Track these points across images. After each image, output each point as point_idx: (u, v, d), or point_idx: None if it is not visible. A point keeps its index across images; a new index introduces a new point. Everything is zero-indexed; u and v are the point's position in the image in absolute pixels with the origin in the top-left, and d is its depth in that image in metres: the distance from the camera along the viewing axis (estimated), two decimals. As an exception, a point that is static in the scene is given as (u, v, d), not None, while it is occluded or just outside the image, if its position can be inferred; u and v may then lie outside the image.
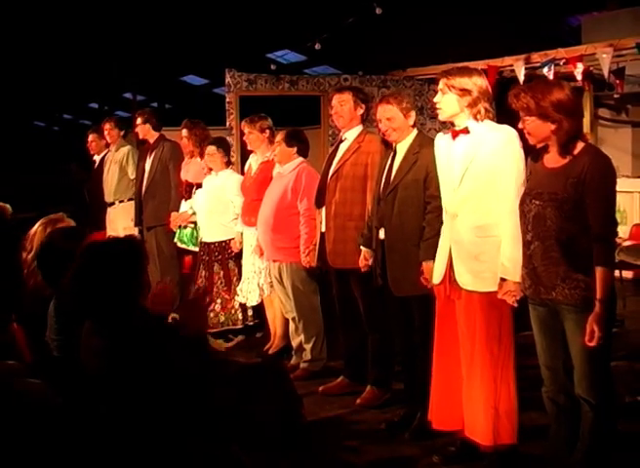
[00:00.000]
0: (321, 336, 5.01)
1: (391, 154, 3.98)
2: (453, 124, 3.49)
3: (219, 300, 5.63)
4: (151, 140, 6.45)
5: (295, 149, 4.99)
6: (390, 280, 3.92)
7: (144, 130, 6.44)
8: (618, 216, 3.02)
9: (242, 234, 5.52)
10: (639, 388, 4.24)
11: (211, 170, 5.73)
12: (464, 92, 3.38)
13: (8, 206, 4.78)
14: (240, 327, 5.71)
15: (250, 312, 5.70)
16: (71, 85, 20.95)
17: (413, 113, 3.99)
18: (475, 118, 3.40)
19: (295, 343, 5.12)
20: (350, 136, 4.50)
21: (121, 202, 6.79)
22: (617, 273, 4.64)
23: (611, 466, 3.07)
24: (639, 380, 4.41)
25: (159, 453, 2.47)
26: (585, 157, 2.95)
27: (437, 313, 3.58)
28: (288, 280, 4.97)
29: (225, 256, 5.64)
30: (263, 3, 13.30)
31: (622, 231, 6.74)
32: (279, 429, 2.76)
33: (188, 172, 6.10)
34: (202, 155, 5.87)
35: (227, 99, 8.42)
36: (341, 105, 4.48)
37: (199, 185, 5.87)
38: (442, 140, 3.57)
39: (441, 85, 3.45)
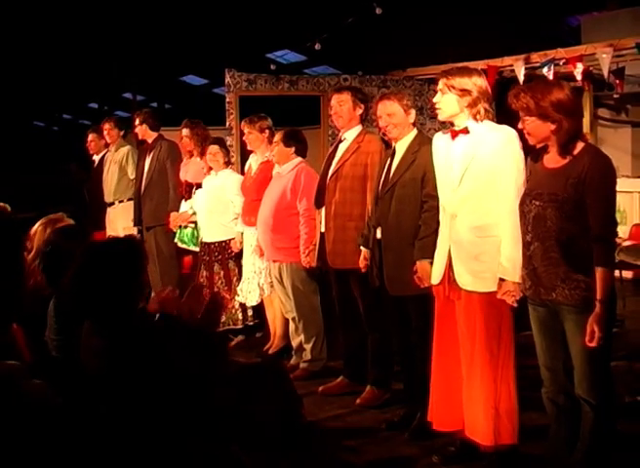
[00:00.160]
0: (321, 336, 5.01)
1: (391, 153, 3.99)
2: (452, 124, 3.49)
3: (222, 300, 5.61)
4: (150, 140, 6.46)
5: (293, 149, 4.99)
6: (386, 279, 3.92)
7: (142, 130, 6.45)
8: (618, 216, 3.02)
9: (242, 234, 5.52)
10: (639, 388, 4.23)
11: (210, 169, 5.73)
12: (464, 92, 3.38)
13: (7, 206, 4.78)
14: (240, 327, 5.71)
15: (250, 312, 5.71)
16: (71, 85, 20.95)
17: (413, 111, 3.99)
18: (475, 118, 3.40)
19: (295, 343, 5.12)
20: (350, 136, 4.50)
21: (121, 202, 6.79)
22: (616, 273, 4.64)
23: (611, 466, 3.07)
24: (639, 380, 4.41)
25: (159, 453, 2.47)
26: (585, 157, 2.95)
27: (436, 313, 3.58)
28: (288, 280, 4.97)
29: (225, 256, 5.65)
30: (263, 3, 13.29)
31: (622, 231, 6.74)
32: (279, 429, 2.77)
33: (188, 172, 6.10)
34: (202, 155, 5.87)
35: (227, 99, 8.42)
36: (340, 105, 4.48)
37: (199, 185, 5.87)
38: (441, 140, 3.57)
39: (441, 85, 3.45)
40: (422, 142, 3.88)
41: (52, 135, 29.52)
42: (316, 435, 3.69)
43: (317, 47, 8.45)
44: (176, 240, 6.15)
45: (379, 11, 7.67)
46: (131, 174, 6.77)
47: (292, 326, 5.14)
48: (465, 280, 3.39)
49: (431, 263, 3.60)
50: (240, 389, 2.79)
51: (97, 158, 7.33)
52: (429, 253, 3.60)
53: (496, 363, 3.38)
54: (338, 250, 4.41)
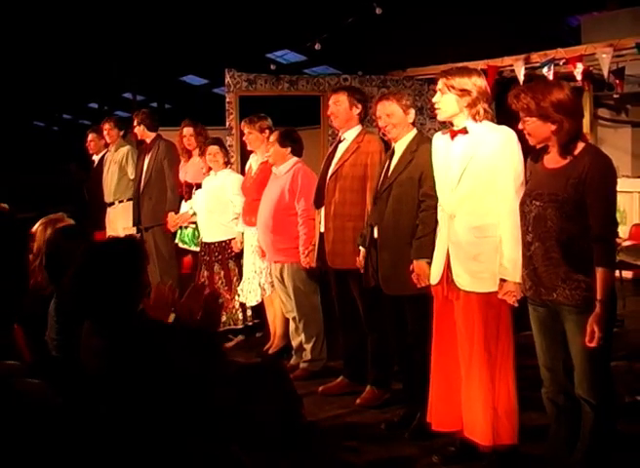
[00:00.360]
0: (321, 337, 5.01)
1: (389, 154, 3.99)
2: (452, 124, 3.49)
3: (219, 300, 5.62)
4: (148, 141, 6.46)
5: (289, 149, 4.99)
6: (381, 278, 3.92)
7: (140, 131, 6.46)
8: (618, 216, 3.02)
9: (243, 234, 5.52)
10: (639, 388, 4.23)
11: (210, 170, 5.73)
12: (464, 92, 3.38)
13: (5, 205, 4.78)
14: (240, 327, 5.72)
15: (249, 312, 5.71)
16: (71, 85, 20.96)
17: (412, 111, 3.99)
18: (474, 118, 3.40)
19: (295, 343, 5.12)
20: (349, 136, 4.50)
21: (121, 202, 6.78)
22: (616, 273, 4.64)
23: (611, 466, 3.07)
24: (639, 380, 4.41)
25: (159, 453, 2.47)
26: (586, 157, 2.95)
27: (435, 313, 3.58)
28: (289, 280, 4.97)
29: (225, 256, 5.65)
30: (263, 3, 13.30)
31: (622, 231, 6.74)
32: (279, 429, 2.76)
33: (187, 172, 6.11)
34: (202, 154, 5.87)
35: (227, 99, 8.42)
36: (337, 106, 4.49)
37: (199, 185, 5.88)
38: (440, 140, 3.57)
39: (440, 85, 3.44)
40: (421, 142, 3.88)
41: (52, 135, 29.54)
42: (316, 435, 3.69)
43: (317, 47, 8.45)
44: (176, 240, 6.16)
45: (379, 11, 7.67)
46: (131, 174, 6.77)
47: (292, 325, 5.14)
48: (464, 280, 3.40)
49: (429, 263, 3.60)
50: (240, 389, 2.78)
51: (96, 158, 7.33)
52: (427, 253, 3.60)
53: (494, 363, 3.38)
54: (337, 250, 4.41)
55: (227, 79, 8.37)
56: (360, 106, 4.49)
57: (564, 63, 7.55)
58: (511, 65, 7.81)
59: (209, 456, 2.52)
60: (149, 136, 6.45)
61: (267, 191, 5.09)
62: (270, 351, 5.45)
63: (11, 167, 16.94)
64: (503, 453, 3.44)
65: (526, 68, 7.64)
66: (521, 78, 7.49)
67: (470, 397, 3.45)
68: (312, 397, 4.43)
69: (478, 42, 10.02)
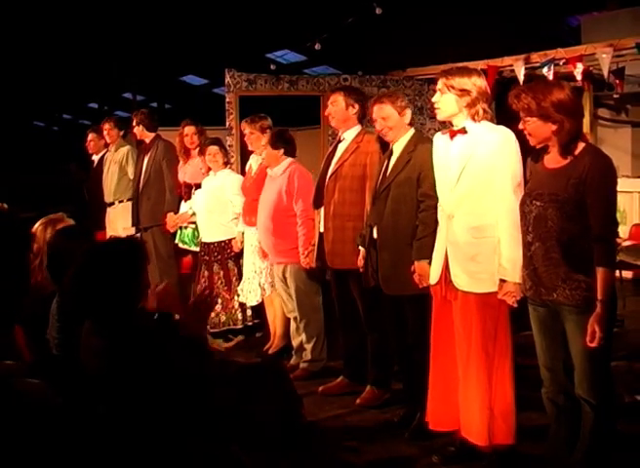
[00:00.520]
0: (322, 337, 5.01)
1: (388, 155, 3.99)
2: (452, 124, 3.49)
3: (219, 300, 5.63)
4: (147, 141, 6.46)
5: (281, 151, 4.99)
6: (381, 279, 3.92)
7: (139, 131, 6.47)
8: (618, 216, 3.02)
9: (243, 234, 5.52)
10: (639, 388, 4.23)
11: (209, 170, 5.73)
12: (463, 92, 3.38)
13: (4, 205, 4.78)
14: (240, 327, 5.71)
15: (249, 312, 5.71)
16: (71, 85, 20.97)
17: (408, 111, 3.98)
18: (473, 118, 3.39)
19: (295, 343, 5.12)
20: (349, 136, 4.51)
21: (121, 202, 6.78)
22: (616, 273, 4.64)
23: (611, 466, 3.07)
24: (639, 380, 4.41)
25: (159, 453, 2.47)
26: (586, 157, 2.95)
27: (434, 313, 3.58)
28: (291, 280, 4.97)
29: (225, 256, 5.65)
30: (263, 3, 13.30)
31: (622, 231, 6.73)
32: (279, 429, 2.76)
33: (186, 173, 6.11)
34: (201, 154, 5.87)
35: (227, 99, 8.41)
36: (333, 106, 4.50)
37: (198, 186, 5.88)
38: (440, 140, 3.57)
39: (440, 85, 3.44)
40: (419, 142, 3.88)
41: (52, 135, 29.56)
42: (316, 435, 3.69)
43: (317, 47, 8.45)
44: (176, 241, 6.16)
45: (379, 11, 7.67)
46: (131, 174, 6.76)
47: (293, 325, 5.14)
48: (462, 280, 3.40)
49: (430, 263, 3.60)
50: (240, 389, 2.78)
51: (96, 158, 7.33)
52: (428, 254, 3.60)
53: (491, 363, 3.37)
54: (336, 250, 4.41)
55: (227, 79, 8.37)
56: (357, 106, 4.48)
57: (564, 63, 7.55)
58: (511, 65, 7.81)
59: (209, 456, 2.52)
60: (148, 137, 6.45)
61: (264, 194, 5.09)
62: (270, 351, 5.45)
63: (11, 167, 16.95)
64: (503, 453, 3.44)
65: (526, 68, 7.64)
66: (521, 78, 7.48)
67: (467, 397, 3.45)
68: (312, 397, 4.43)
69: (478, 42, 10.03)
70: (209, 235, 5.70)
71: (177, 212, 6.10)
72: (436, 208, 3.58)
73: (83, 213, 7.20)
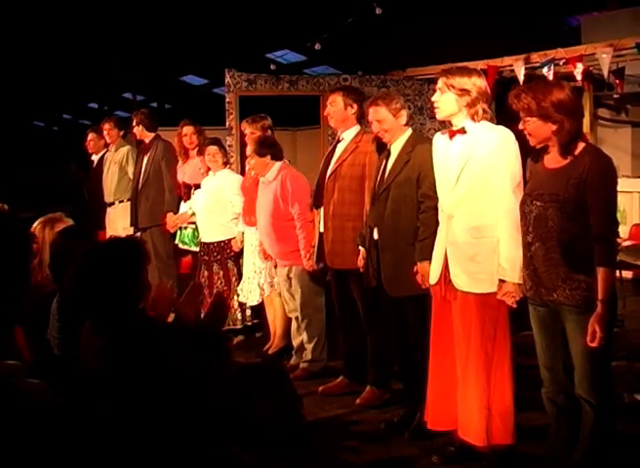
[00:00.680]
0: (323, 337, 5.01)
1: (386, 155, 3.99)
2: (451, 124, 3.49)
3: (226, 300, 5.62)
4: (147, 141, 6.47)
5: (268, 157, 4.99)
6: (384, 280, 3.92)
7: (138, 131, 6.48)
8: (618, 216, 3.01)
9: (243, 233, 5.52)
10: (639, 388, 4.23)
11: (208, 170, 5.73)
12: (463, 92, 3.37)
13: (5, 205, 4.77)
14: (239, 327, 5.71)
15: (248, 312, 5.71)
16: (71, 85, 20.97)
17: (403, 112, 3.97)
18: (473, 118, 3.39)
19: (296, 343, 5.12)
20: (348, 136, 4.51)
21: (121, 202, 6.78)
22: (617, 273, 4.64)
23: (611, 466, 3.07)
24: (639, 380, 4.41)
25: (159, 453, 2.47)
26: (586, 157, 2.95)
27: (433, 313, 3.58)
28: (296, 280, 4.96)
29: (224, 256, 5.64)
30: (263, 3, 13.30)
31: (622, 231, 6.73)
32: (279, 429, 2.76)
33: (185, 173, 6.11)
34: (200, 154, 5.87)
35: (227, 99, 8.41)
36: (332, 106, 4.50)
37: (197, 186, 5.87)
38: (440, 140, 3.57)
39: (440, 84, 3.44)
40: (417, 142, 3.88)
41: (52, 135, 29.56)
42: (316, 435, 3.69)
43: (317, 47, 8.45)
44: (176, 241, 6.16)
45: (379, 11, 7.67)
46: (131, 174, 6.77)
47: (294, 325, 5.14)
48: (461, 281, 3.39)
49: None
50: (240, 389, 2.79)
51: (95, 158, 7.34)
52: (429, 254, 3.60)
53: (490, 364, 3.37)
54: (336, 250, 4.41)
55: (227, 79, 8.37)
56: (356, 106, 4.48)
57: (564, 63, 7.55)
58: (511, 65, 7.81)
59: (209, 456, 2.52)
60: (148, 137, 6.45)
61: (260, 201, 5.09)
62: (270, 351, 5.45)
63: (11, 167, 16.95)
64: (503, 453, 3.44)
65: (526, 68, 7.64)
66: (521, 78, 7.48)
67: (466, 397, 3.44)
68: (312, 397, 4.43)
69: (478, 42, 10.03)
70: (208, 235, 5.70)
71: (176, 212, 6.10)
72: (436, 208, 3.58)
73: (83, 213, 7.21)
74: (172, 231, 6.13)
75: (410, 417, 3.95)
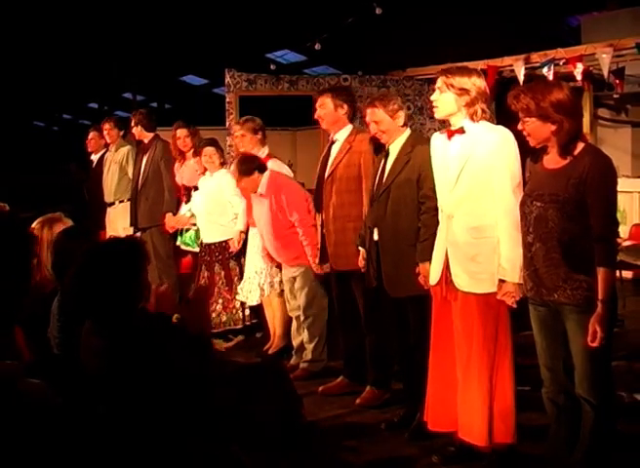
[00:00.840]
0: (323, 338, 5.01)
1: (384, 155, 3.98)
2: (450, 123, 3.49)
3: (220, 300, 5.63)
4: (146, 141, 6.47)
5: (255, 173, 4.97)
6: (385, 281, 3.92)
7: (137, 131, 6.48)
8: (618, 216, 3.01)
9: (242, 233, 5.51)
10: (639, 388, 4.23)
11: (205, 170, 5.72)
12: (463, 91, 3.37)
13: (6, 205, 4.77)
14: (240, 327, 5.71)
15: (247, 312, 5.71)
16: (71, 85, 20.98)
17: (401, 113, 3.96)
18: (472, 118, 3.39)
19: (296, 343, 5.12)
20: (341, 136, 4.50)
21: (121, 202, 6.79)
22: (617, 273, 4.65)
23: (611, 466, 3.07)
24: (639, 380, 4.41)
25: (159, 453, 2.47)
26: (586, 157, 2.95)
27: (434, 314, 3.58)
28: (301, 280, 4.96)
29: (226, 256, 5.64)
30: (263, 3, 13.30)
31: (622, 231, 6.73)
32: (279, 429, 2.76)
33: (183, 176, 6.11)
34: (196, 155, 5.86)
35: (227, 99, 8.42)
36: (322, 108, 4.50)
37: (197, 188, 5.88)
38: (438, 140, 3.56)
39: (439, 83, 3.44)
40: (416, 143, 3.88)
41: (52, 135, 29.56)
42: (316, 435, 3.69)
43: (317, 47, 8.46)
44: (178, 243, 6.16)
45: (379, 11, 7.68)
46: (131, 174, 6.77)
47: (294, 325, 5.14)
48: (462, 281, 3.39)
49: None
50: (240, 389, 2.78)
51: (95, 158, 7.34)
52: (430, 255, 3.59)
53: (492, 364, 3.37)
54: (339, 252, 4.40)
55: (227, 79, 8.38)
56: (346, 106, 4.48)
57: (564, 63, 7.56)
58: (511, 65, 7.82)
59: (209, 456, 2.52)
60: (147, 137, 6.45)
61: (257, 212, 5.10)
62: (270, 351, 5.44)
63: (11, 167, 16.95)
64: (503, 453, 3.44)
65: (526, 68, 7.64)
66: (521, 78, 7.49)
67: (467, 398, 3.44)
68: (312, 397, 4.43)
69: (478, 42, 10.03)
70: (209, 236, 5.70)
71: (175, 212, 6.11)
72: (437, 209, 3.58)
73: (83, 213, 7.21)
74: (170, 231, 6.13)
75: (410, 417, 3.94)
